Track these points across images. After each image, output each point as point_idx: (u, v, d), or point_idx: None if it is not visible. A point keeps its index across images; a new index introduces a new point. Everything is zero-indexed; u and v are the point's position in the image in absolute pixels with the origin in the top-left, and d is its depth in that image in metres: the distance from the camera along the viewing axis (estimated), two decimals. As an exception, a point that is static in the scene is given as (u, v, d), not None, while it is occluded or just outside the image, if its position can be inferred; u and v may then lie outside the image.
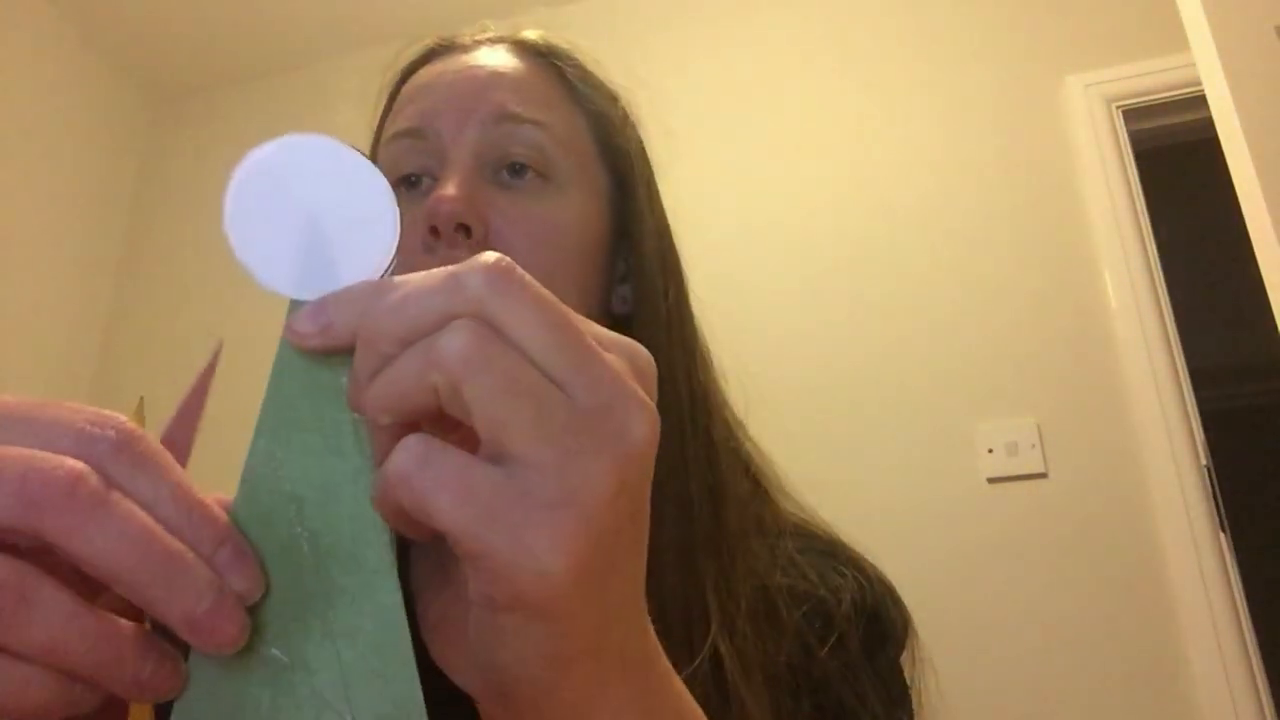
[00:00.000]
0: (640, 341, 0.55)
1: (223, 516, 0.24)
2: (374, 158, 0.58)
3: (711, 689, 0.44)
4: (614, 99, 0.60)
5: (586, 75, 0.59)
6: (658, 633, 0.42)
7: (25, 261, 2.12)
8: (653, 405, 0.24)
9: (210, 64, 2.48)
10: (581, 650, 0.24)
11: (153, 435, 0.25)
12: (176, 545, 0.23)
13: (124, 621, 0.23)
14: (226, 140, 2.47)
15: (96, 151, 2.38)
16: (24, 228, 2.10)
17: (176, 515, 0.23)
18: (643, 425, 0.23)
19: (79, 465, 0.22)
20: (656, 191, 0.60)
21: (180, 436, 0.30)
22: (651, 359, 0.26)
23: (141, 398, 0.32)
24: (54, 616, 0.21)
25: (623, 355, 0.25)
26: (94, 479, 0.22)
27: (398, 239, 0.26)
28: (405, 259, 0.49)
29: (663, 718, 0.28)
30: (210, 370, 0.31)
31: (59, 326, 2.22)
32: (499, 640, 0.24)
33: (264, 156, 0.26)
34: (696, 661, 0.44)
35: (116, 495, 0.22)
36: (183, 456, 0.30)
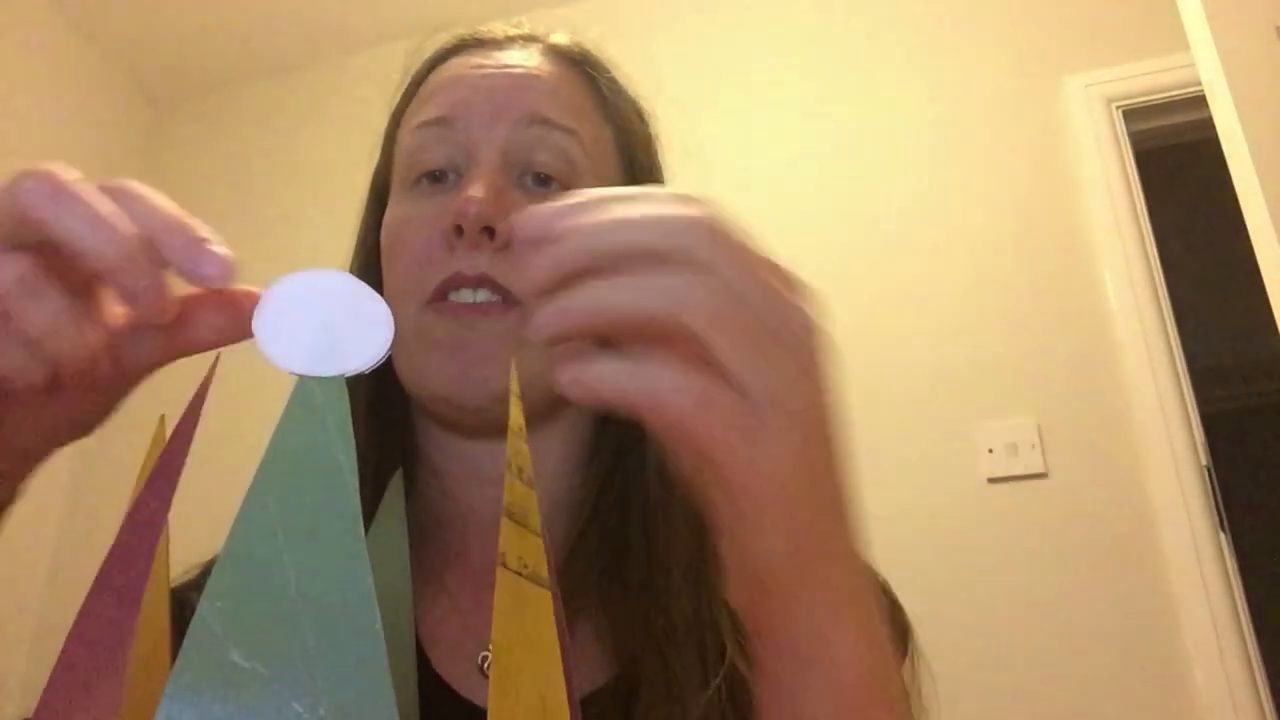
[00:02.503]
0: None
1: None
2: (391, 143, 0.58)
3: (729, 709, 0.44)
4: (641, 115, 0.60)
5: (617, 87, 0.58)
6: (670, 653, 0.43)
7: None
8: (819, 317, 0.30)
9: (210, 64, 2.48)
10: (814, 545, 0.29)
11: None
12: (133, 230, 0.28)
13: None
14: (226, 140, 2.48)
15: (96, 151, 2.38)
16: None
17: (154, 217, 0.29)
18: (823, 342, 0.29)
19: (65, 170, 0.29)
20: None
21: (177, 448, 0.32)
22: (804, 282, 0.31)
23: (163, 416, 0.34)
24: (52, 305, 0.28)
25: (791, 285, 0.30)
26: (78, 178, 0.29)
27: (392, 340, 0.32)
28: (425, 252, 0.50)
29: (878, 636, 0.32)
30: (205, 386, 0.34)
31: (59, 326, 2.22)
32: (751, 544, 0.29)
33: (290, 281, 0.32)
34: (717, 680, 0.44)
35: (90, 187, 0.29)
36: (178, 468, 0.31)
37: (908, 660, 0.52)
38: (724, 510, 0.29)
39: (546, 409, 0.53)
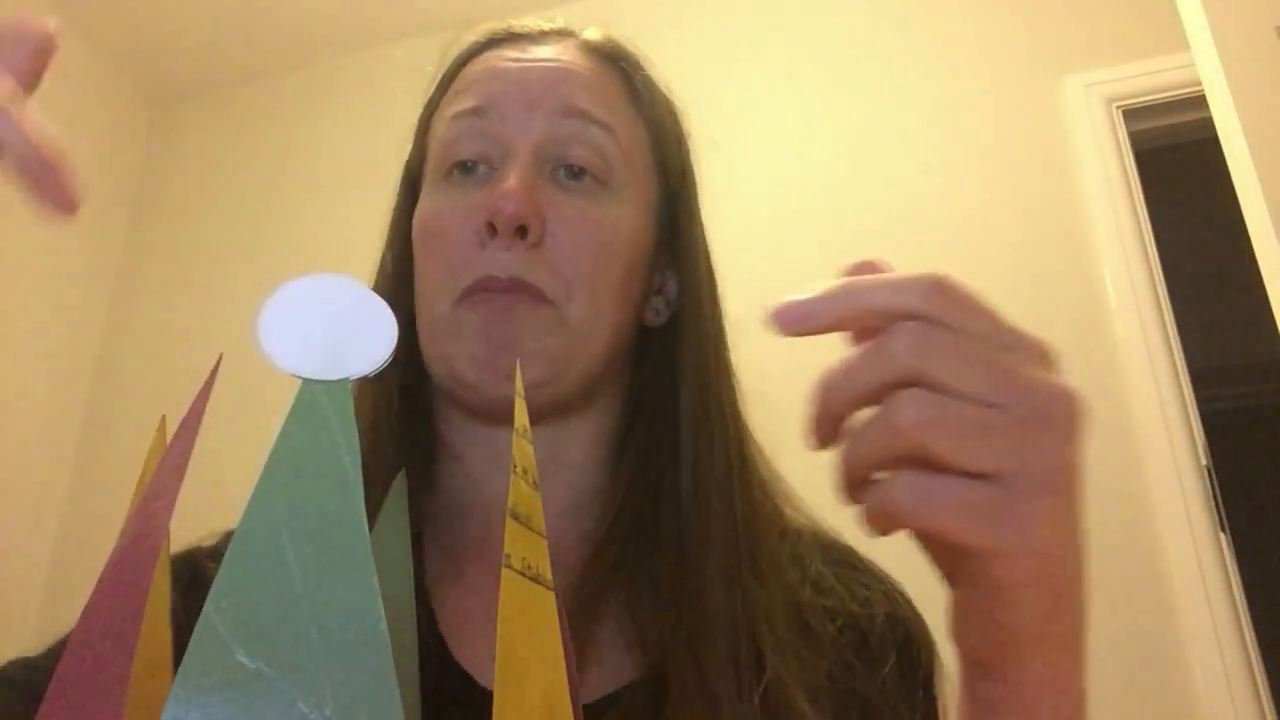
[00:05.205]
0: (687, 366, 0.57)
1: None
2: (424, 134, 0.58)
3: (761, 716, 0.44)
4: (673, 114, 0.60)
5: (651, 85, 0.58)
6: (703, 656, 0.44)
7: (24, 261, 2.12)
8: (1069, 386, 0.28)
9: (210, 64, 2.48)
10: (1060, 599, 0.29)
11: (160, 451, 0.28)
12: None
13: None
14: (227, 141, 2.48)
15: (96, 152, 2.38)
16: (22, 227, 2.10)
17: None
18: (1072, 409, 0.28)
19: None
20: (700, 209, 0.59)
21: (180, 446, 0.32)
22: (1052, 348, 0.30)
23: (164, 416, 0.35)
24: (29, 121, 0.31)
25: (1031, 356, 0.29)
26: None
27: (395, 344, 0.32)
28: (458, 249, 0.50)
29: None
30: (208, 387, 0.34)
31: (58, 327, 2.22)
32: (1001, 612, 0.29)
33: (294, 286, 0.32)
34: (761, 685, 0.43)
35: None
36: (183, 464, 0.31)
37: (938, 672, 0.51)
38: (978, 587, 0.29)
39: (578, 399, 0.53)
